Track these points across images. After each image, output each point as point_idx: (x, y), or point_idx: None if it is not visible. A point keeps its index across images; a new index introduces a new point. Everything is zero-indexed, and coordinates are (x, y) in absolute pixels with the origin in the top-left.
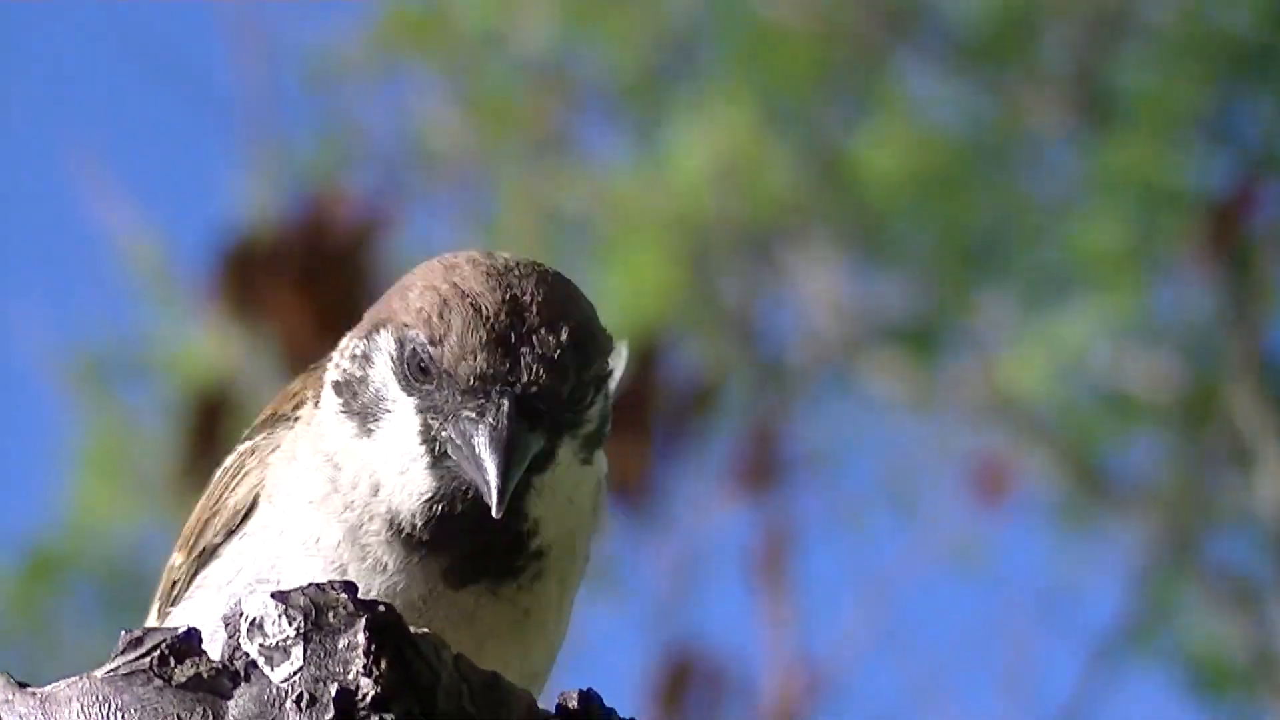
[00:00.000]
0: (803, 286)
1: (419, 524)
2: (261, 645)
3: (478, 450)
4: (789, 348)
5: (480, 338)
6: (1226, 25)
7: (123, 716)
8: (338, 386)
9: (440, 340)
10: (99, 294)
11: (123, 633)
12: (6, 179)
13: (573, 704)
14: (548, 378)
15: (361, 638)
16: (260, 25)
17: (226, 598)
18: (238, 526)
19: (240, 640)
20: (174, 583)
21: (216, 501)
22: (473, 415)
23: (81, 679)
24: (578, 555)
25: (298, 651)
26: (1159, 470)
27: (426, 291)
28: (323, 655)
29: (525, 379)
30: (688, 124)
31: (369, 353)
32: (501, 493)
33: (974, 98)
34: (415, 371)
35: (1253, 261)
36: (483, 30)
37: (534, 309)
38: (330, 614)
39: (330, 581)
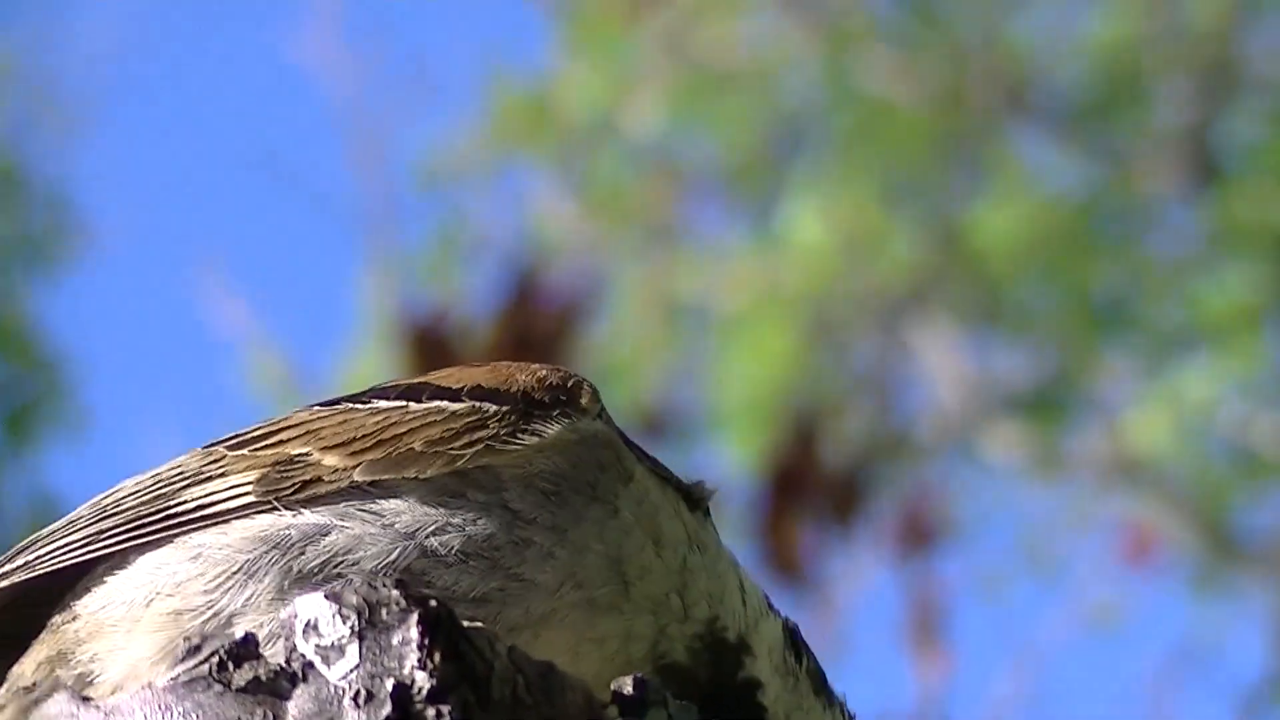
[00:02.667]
0: (927, 358)
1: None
2: (317, 645)
3: None
4: (917, 420)
5: None
6: None
7: None
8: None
9: None
10: (226, 402)
11: (181, 640)
12: (140, 290)
13: (628, 690)
14: None
15: (415, 632)
16: (375, 129)
17: (414, 546)
18: (459, 478)
19: (296, 641)
20: (315, 479)
21: (441, 441)
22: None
23: (144, 689)
24: None
25: (353, 649)
26: None
27: None
28: (378, 652)
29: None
30: (804, 202)
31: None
32: None
33: (1087, 161)
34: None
35: None
36: (593, 119)
37: None
38: (384, 611)
39: (381, 579)
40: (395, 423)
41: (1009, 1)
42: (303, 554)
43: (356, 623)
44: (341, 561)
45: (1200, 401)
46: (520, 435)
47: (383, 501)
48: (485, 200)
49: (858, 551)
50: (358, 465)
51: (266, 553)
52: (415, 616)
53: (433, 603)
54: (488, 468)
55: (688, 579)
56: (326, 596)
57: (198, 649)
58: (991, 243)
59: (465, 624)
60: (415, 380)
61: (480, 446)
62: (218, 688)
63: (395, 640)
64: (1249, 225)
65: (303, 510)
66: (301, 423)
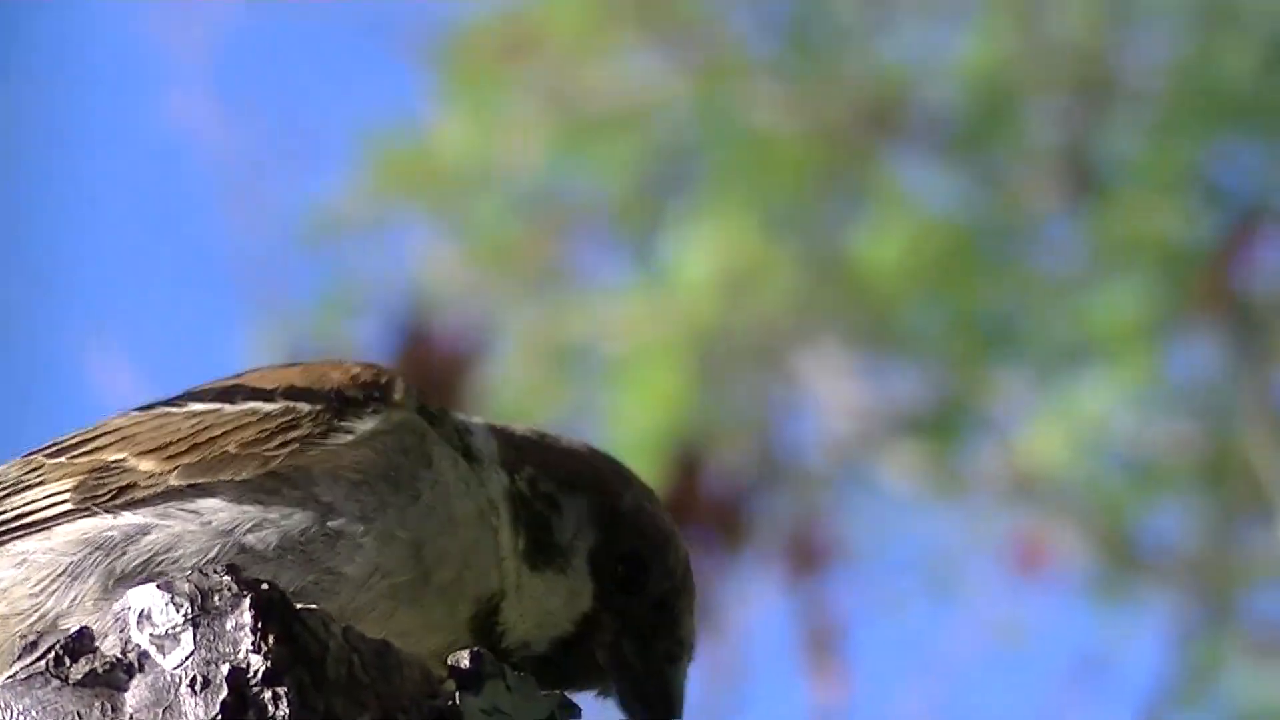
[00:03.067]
0: (817, 386)
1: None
2: (152, 635)
3: (672, 697)
4: (809, 447)
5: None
6: (1213, 79)
7: None
8: (521, 500)
9: (681, 582)
10: None
11: (18, 638)
12: (27, 361)
13: (464, 663)
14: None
15: (248, 617)
16: (254, 188)
17: (231, 543)
18: (274, 478)
19: (131, 632)
20: (130, 485)
21: (255, 443)
22: (670, 657)
23: None
24: None
25: (187, 637)
26: (1189, 534)
27: (661, 518)
28: (212, 638)
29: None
30: (687, 238)
31: (560, 503)
32: None
33: (968, 182)
34: (622, 572)
35: (1254, 313)
36: (473, 166)
37: None
38: (216, 597)
39: (213, 565)
40: (210, 425)
41: (881, 27)
42: (125, 554)
43: (190, 610)
44: (163, 559)
45: (1093, 415)
46: (333, 433)
47: (200, 501)
48: (369, 253)
49: (749, 578)
50: (174, 469)
51: (90, 554)
52: (248, 601)
53: (264, 586)
54: (301, 465)
55: (470, 558)
56: (159, 586)
57: (34, 645)
58: (876, 268)
59: (298, 606)
60: (230, 382)
61: (294, 446)
62: (55, 683)
63: (229, 625)
64: (1132, 238)
65: (123, 513)
66: (117, 429)
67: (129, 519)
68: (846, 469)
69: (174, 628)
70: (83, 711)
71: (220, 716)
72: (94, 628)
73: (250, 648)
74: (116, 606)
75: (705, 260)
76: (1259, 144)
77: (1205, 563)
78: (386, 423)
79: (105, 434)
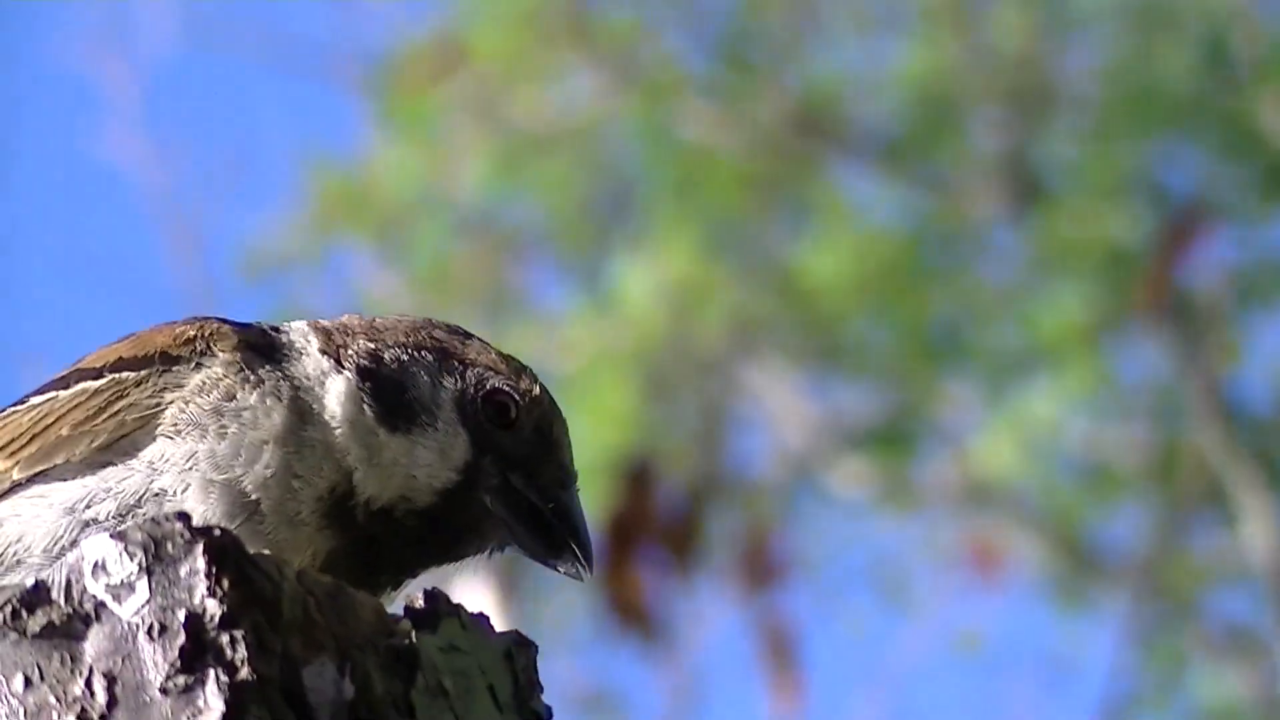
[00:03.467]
0: (767, 401)
1: (376, 511)
2: (107, 584)
3: (569, 518)
4: (760, 461)
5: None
6: (1150, 82)
7: None
8: (366, 373)
9: (546, 409)
10: None
11: None
12: None
13: (419, 603)
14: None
15: (202, 562)
16: (193, 221)
17: (85, 519)
18: (105, 450)
19: (86, 582)
20: None
21: (85, 420)
22: (558, 484)
23: None
24: None
25: (142, 585)
26: (1144, 535)
27: (528, 376)
28: (167, 585)
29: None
30: (631, 258)
31: (408, 366)
32: (592, 564)
33: (910, 192)
34: (491, 412)
35: (1197, 311)
36: (413, 193)
37: None
38: (169, 544)
39: (164, 513)
40: (46, 414)
41: (816, 39)
42: None
43: (144, 559)
44: (16, 549)
45: (1044, 420)
46: (163, 393)
47: (43, 486)
48: (312, 284)
49: (703, 592)
50: (16, 464)
51: None
52: (200, 546)
53: (217, 532)
54: (131, 432)
55: (295, 466)
56: (112, 536)
57: None
58: (821, 282)
59: (250, 551)
60: (68, 369)
61: (120, 417)
62: (13, 636)
63: (183, 572)
64: (1075, 243)
65: None
66: None
67: None
68: (799, 481)
69: (129, 576)
70: (42, 663)
71: (179, 662)
72: (49, 579)
73: (205, 593)
74: (71, 558)
75: (649, 278)
76: (1197, 144)
77: (1161, 563)
78: (209, 373)
79: None
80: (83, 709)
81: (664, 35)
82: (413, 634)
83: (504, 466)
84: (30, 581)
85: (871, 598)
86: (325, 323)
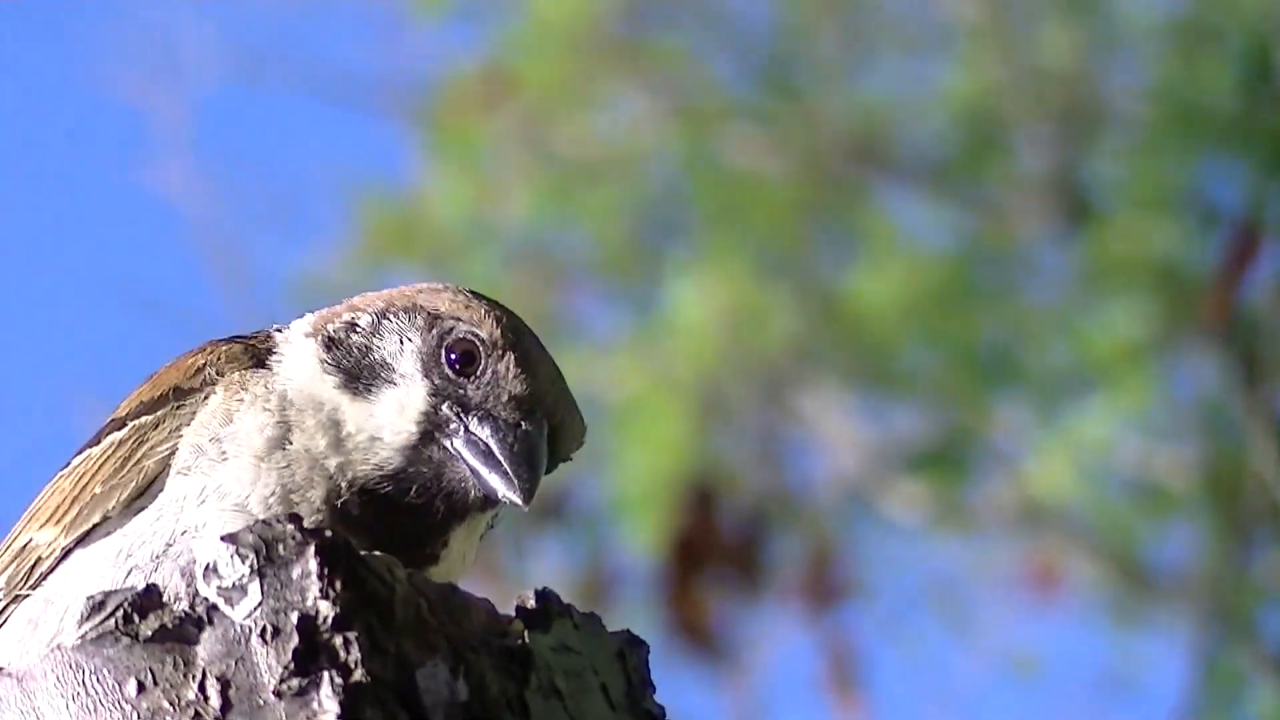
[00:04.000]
0: (821, 425)
1: (359, 488)
2: (219, 587)
3: (509, 452)
4: (816, 485)
5: (545, 366)
6: (1197, 99)
7: (97, 680)
8: (333, 341)
9: (507, 349)
10: None
11: (84, 599)
12: (8, 423)
13: (531, 603)
14: (565, 432)
15: (313, 564)
16: (242, 252)
17: (127, 569)
18: (139, 498)
19: (198, 585)
20: (37, 560)
21: (114, 474)
22: (508, 420)
23: (53, 652)
24: None
25: (254, 587)
26: (1200, 553)
27: (484, 307)
28: (279, 587)
29: (555, 420)
30: (682, 284)
31: (378, 327)
32: (529, 492)
33: (958, 214)
34: (453, 362)
35: (1253, 330)
36: (463, 222)
37: (563, 380)
38: (280, 546)
39: (275, 516)
40: (83, 475)
41: (863, 63)
42: (46, 622)
43: (255, 561)
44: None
45: (1097, 441)
46: (178, 431)
47: (87, 548)
48: None
49: (767, 614)
50: (63, 530)
51: (31, 634)
52: (312, 548)
53: (328, 533)
54: (155, 477)
55: (288, 481)
56: (222, 538)
57: (101, 605)
58: (871, 305)
59: (363, 552)
60: (105, 419)
61: (144, 465)
62: (125, 640)
63: (295, 574)
64: (1125, 261)
65: (40, 587)
66: (30, 509)
67: (44, 592)
68: (855, 505)
69: (241, 579)
70: (154, 668)
71: (293, 664)
72: (160, 584)
73: (318, 594)
74: (182, 560)
75: (702, 305)
76: (1246, 160)
77: (1218, 582)
78: (213, 400)
79: (23, 517)
80: (196, 713)
81: (711, 61)
82: (525, 634)
83: (461, 410)
84: (143, 585)
85: (930, 620)
86: (329, 308)
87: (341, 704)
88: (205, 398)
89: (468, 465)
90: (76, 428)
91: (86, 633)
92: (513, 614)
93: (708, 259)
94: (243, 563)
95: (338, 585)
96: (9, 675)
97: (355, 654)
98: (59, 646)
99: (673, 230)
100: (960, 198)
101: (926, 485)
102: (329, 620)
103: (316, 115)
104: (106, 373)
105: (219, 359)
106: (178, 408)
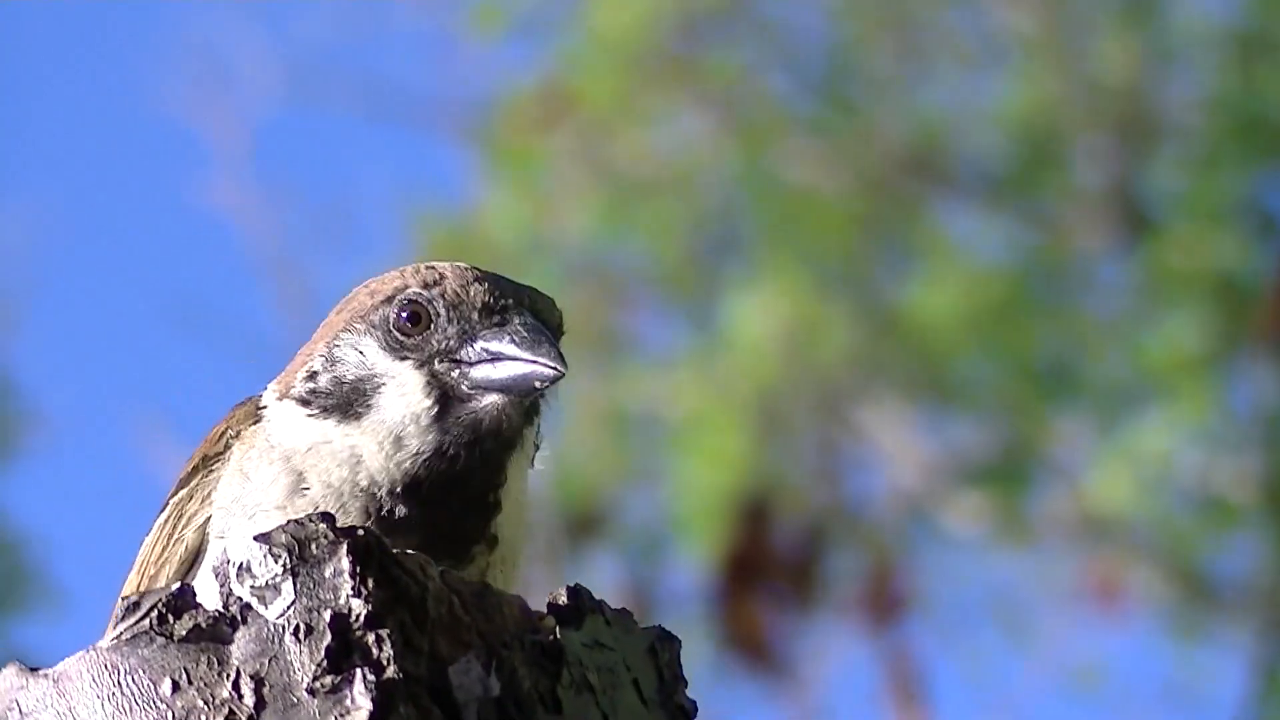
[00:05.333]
0: (880, 439)
1: (401, 490)
2: (252, 587)
3: (519, 343)
4: (876, 498)
5: (474, 275)
6: (1255, 110)
7: (132, 680)
8: (307, 396)
9: (437, 282)
10: None
11: (120, 601)
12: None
13: (563, 600)
14: (545, 303)
15: (346, 563)
16: (300, 271)
17: None
18: (188, 572)
19: (231, 586)
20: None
21: (161, 554)
22: (496, 326)
23: (88, 653)
24: (518, 559)
25: (288, 587)
26: (1259, 564)
27: (397, 271)
28: (312, 586)
29: (529, 301)
30: (740, 300)
31: (333, 355)
32: (559, 356)
33: (1016, 227)
34: (406, 331)
35: None
36: (520, 239)
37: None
38: (313, 545)
39: (307, 515)
40: (146, 553)
41: (919, 77)
42: None
43: (288, 560)
44: None
45: (1157, 453)
46: (208, 499)
47: None
48: None
49: (827, 629)
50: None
51: None
52: (345, 547)
53: (360, 532)
54: (198, 546)
55: None
56: (255, 538)
57: (136, 606)
58: (930, 318)
59: (395, 551)
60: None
61: (183, 537)
62: (160, 640)
63: (328, 573)
64: (1183, 273)
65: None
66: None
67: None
68: (915, 519)
69: (274, 578)
70: (189, 667)
71: (326, 662)
72: (194, 584)
73: (351, 593)
74: (215, 562)
75: (760, 320)
76: None
77: (1279, 592)
78: (231, 461)
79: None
80: (231, 711)
81: (767, 76)
82: (557, 630)
83: (451, 355)
84: (176, 586)
85: (992, 633)
86: (282, 372)
87: (374, 701)
88: (227, 460)
89: (494, 386)
90: (136, 445)
91: (122, 633)
92: (545, 611)
93: (766, 274)
94: (275, 562)
95: (370, 583)
96: (44, 676)
97: (388, 651)
98: (94, 647)
99: (730, 245)
100: (1018, 211)
101: (987, 498)
102: (362, 618)
103: (374, 134)
104: (165, 391)
105: (236, 420)
106: (206, 475)
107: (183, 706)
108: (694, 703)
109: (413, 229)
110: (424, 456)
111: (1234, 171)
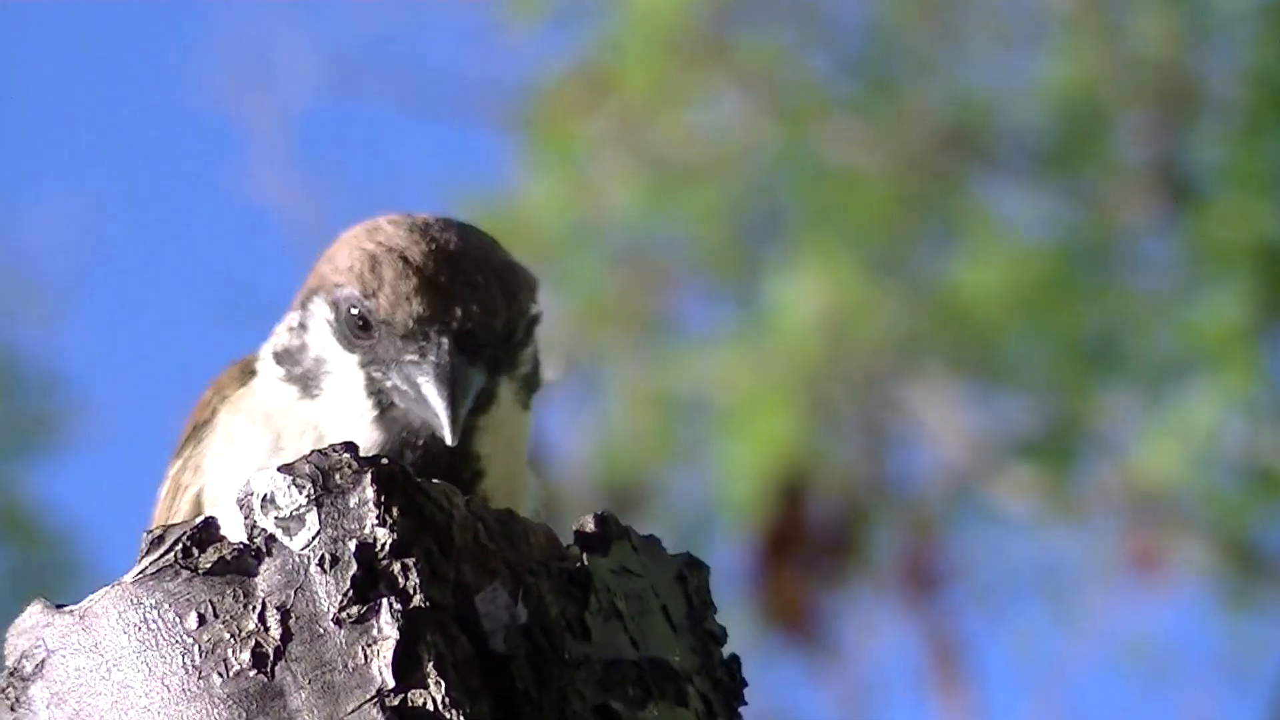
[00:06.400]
0: (927, 418)
1: None
2: (277, 518)
3: (423, 389)
4: (923, 476)
5: (413, 285)
6: None
7: (158, 614)
8: (279, 356)
9: (374, 293)
10: None
11: (144, 535)
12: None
13: (590, 527)
14: (481, 314)
15: (370, 492)
16: None
17: None
18: None
19: (256, 517)
20: None
21: (168, 515)
22: (415, 358)
23: (113, 588)
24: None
25: (312, 517)
26: None
27: (354, 251)
28: (337, 516)
29: (460, 317)
30: (785, 282)
31: (305, 321)
32: (454, 422)
33: (1060, 203)
34: (354, 329)
35: None
36: (564, 225)
37: (458, 254)
38: (337, 475)
39: (331, 445)
40: (155, 518)
41: (959, 55)
42: None
43: (312, 490)
44: None
45: (1205, 426)
46: (199, 467)
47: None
48: None
49: (870, 605)
50: None
51: None
52: (369, 476)
53: (384, 460)
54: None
55: None
56: (279, 469)
57: (160, 539)
58: (976, 297)
59: (419, 480)
60: None
61: (179, 507)
62: (185, 574)
63: (353, 502)
64: (1229, 245)
65: None
66: None
67: None
68: (962, 495)
69: (298, 509)
70: (215, 600)
71: (351, 592)
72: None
73: (375, 522)
74: (239, 493)
75: (806, 301)
76: None
77: None
78: (216, 424)
79: None
80: (257, 643)
81: (807, 57)
82: (584, 557)
83: (384, 369)
84: (201, 518)
85: (1038, 607)
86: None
87: (401, 630)
88: (214, 426)
89: (414, 414)
90: (174, 435)
91: (146, 567)
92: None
93: (808, 254)
94: (300, 492)
95: (395, 512)
96: (69, 612)
97: (414, 580)
98: (119, 582)
99: (773, 226)
100: (1061, 187)
101: (1033, 474)
102: (387, 547)
103: (413, 122)
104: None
105: (221, 385)
106: (196, 443)
107: (209, 639)
108: (723, 629)
109: (455, 215)
110: (376, 448)
111: (1276, 142)
